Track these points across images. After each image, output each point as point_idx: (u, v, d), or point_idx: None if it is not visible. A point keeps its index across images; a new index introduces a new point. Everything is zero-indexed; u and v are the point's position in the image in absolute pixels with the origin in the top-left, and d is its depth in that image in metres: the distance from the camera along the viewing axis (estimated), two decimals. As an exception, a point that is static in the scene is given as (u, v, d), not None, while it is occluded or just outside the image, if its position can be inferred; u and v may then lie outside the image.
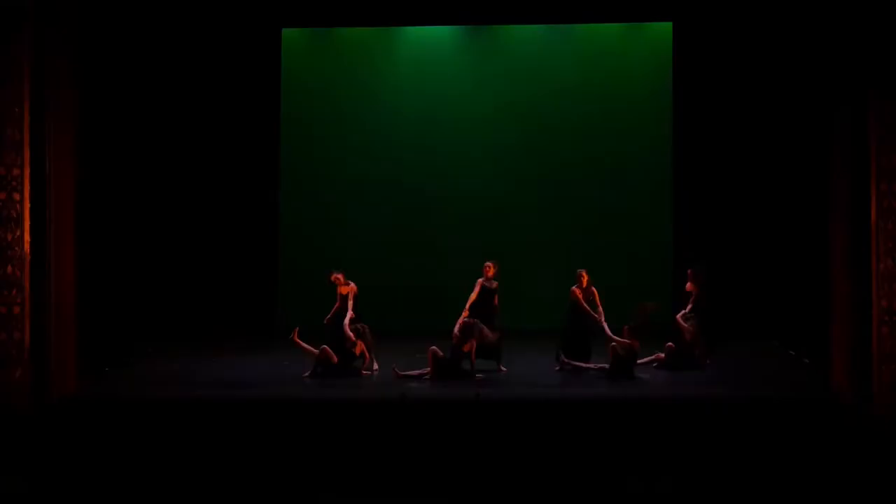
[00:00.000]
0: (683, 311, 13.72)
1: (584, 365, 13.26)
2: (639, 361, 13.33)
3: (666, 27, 16.92)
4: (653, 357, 13.57)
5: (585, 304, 13.50)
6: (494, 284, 13.54)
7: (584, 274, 13.58)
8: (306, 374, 13.16)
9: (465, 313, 13.21)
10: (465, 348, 12.98)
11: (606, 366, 13.04)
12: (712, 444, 10.91)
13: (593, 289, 13.60)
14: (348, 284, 13.48)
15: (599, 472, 10.67)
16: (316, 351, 13.16)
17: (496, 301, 13.54)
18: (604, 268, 14.74)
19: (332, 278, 13.52)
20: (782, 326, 15.36)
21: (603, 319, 13.49)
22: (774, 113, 15.83)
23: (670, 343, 13.54)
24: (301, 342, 13.26)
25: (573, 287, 13.57)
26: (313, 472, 10.74)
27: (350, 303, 13.37)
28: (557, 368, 13.34)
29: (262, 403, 11.82)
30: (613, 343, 13.07)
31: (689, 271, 13.99)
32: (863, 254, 11.44)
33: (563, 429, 11.10)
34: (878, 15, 11.29)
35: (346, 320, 13.26)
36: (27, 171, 11.34)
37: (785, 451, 10.81)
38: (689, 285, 13.86)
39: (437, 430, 11.08)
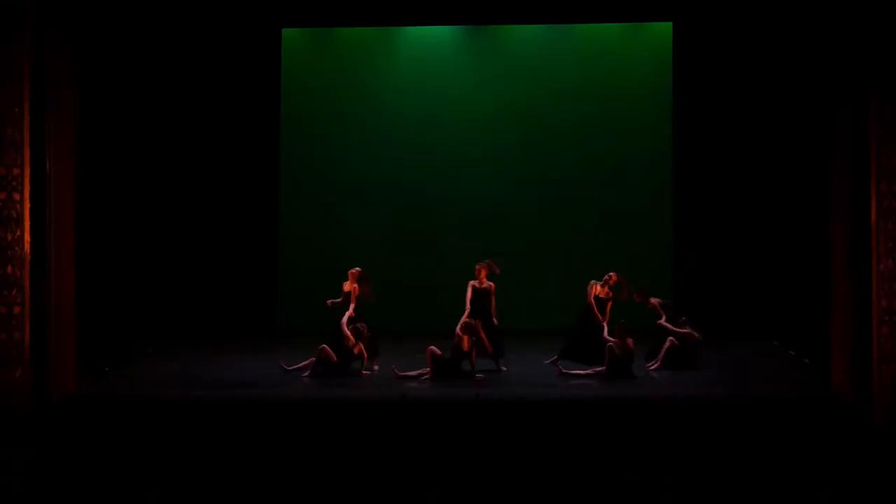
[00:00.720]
0: (667, 320, 13.69)
1: (581, 371, 13.23)
2: (649, 365, 13.42)
3: (666, 27, 16.90)
4: (666, 346, 13.50)
5: (594, 302, 13.53)
6: (486, 285, 13.56)
7: (613, 276, 13.66)
8: (306, 373, 13.16)
9: (465, 316, 13.26)
10: (466, 348, 12.97)
11: (603, 368, 13.04)
12: (712, 444, 10.91)
13: (610, 293, 13.64)
14: (355, 285, 13.59)
15: (599, 473, 10.66)
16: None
17: (493, 301, 13.56)
18: (604, 268, 14.66)
19: (349, 273, 13.71)
20: (782, 326, 15.35)
21: (605, 323, 13.52)
22: (774, 113, 15.82)
23: (673, 339, 13.53)
24: (290, 367, 13.31)
25: (592, 281, 13.65)
26: (313, 472, 10.75)
27: (352, 304, 13.47)
28: (557, 374, 13.30)
29: (262, 403, 11.83)
30: (609, 344, 13.07)
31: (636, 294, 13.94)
32: (863, 254, 11.43)
33: (563, 429, 11.10)
34: (878, 15, 11.29)
35: (344, 319, 13.32)
36: (27, 171, 11.34)
37: (785, 451, 10.81)
38: (648, 302, 13.85)
39: (437, 430, 11.08)
